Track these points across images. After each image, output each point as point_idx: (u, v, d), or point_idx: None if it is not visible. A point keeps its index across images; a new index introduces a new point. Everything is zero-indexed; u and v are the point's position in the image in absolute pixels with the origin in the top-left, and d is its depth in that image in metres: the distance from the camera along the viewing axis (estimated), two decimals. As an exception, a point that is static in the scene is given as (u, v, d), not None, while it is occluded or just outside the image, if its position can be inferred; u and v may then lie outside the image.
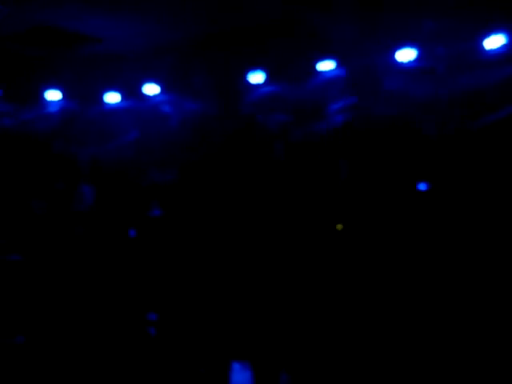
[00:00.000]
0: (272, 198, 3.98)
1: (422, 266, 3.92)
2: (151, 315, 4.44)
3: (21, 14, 4.97)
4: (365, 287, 3.82)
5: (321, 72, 5.13)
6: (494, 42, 4.67)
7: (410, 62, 4.81)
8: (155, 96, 5.96)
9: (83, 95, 6.12)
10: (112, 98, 6.13)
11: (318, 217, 4.11)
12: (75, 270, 4.61)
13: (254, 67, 5.26)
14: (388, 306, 3.81)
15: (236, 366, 4.12)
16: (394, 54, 4.84)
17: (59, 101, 6.14)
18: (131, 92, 6.05)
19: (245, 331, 3.71)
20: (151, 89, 5.95)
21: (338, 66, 5.05)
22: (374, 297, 3.80)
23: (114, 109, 6.12)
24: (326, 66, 5.11)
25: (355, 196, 3.99)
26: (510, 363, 3.63)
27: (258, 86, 5.32)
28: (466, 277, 3.92)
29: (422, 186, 4.06)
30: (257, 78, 5.33)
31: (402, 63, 4.84)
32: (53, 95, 6.11)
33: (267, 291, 3.64)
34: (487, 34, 4.67)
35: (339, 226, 3.98)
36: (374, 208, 3.95)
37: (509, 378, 3.60)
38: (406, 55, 4.81)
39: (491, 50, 4.69)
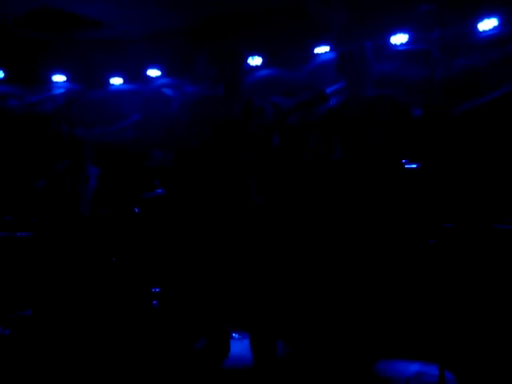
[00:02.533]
0: (269, 178, 4.04)
1: (414, 244, 3.98)
2: (155, 288, 4.61)
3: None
4: (361, 262, 3.85)
5: (317, 56, 5.23)
6: (486, 24, 4.73)
7: (403, 45, 4.90)
8: (157, 79, 6.07)
9: (87, 78, 6.22)
10: (115, 80, 6.24)
11: (313, 197, 4.18)
12: (81, 246, 4.72)
13: (253, 51, 5.37)
14: (385, 279, 3.85)
15: (235, 336, 4.28)
16: (387, 36, 4.92)
17: (64, 83, 6.24)
18: (134, 75, 6.15)
19: (243, 303, 3.80)
20: (153, 72, 6.05)
21: (333, 49, 5.15)
22: (371, 268, 3.82)
23: (117, 91, 6.23)
24: (321, 49, 5.22)
25: (348, 178, 4.03)
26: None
27: (256, 69, 5.43)
28: (457, 258, 3.97)
29: (410, 165, 4.10)
30: (256, 61, 5.43)
31: (395, 46, 4.92)
32: (58, 78, 6.21)
33: (265, 264, 3.73)
34: (480, 16, 4.73)
35: None
36: (366, 189, 4.00)
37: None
38: (399, 38, 4.89)
39: (484, 33, 4.74)
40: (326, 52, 5.20)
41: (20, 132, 5.95)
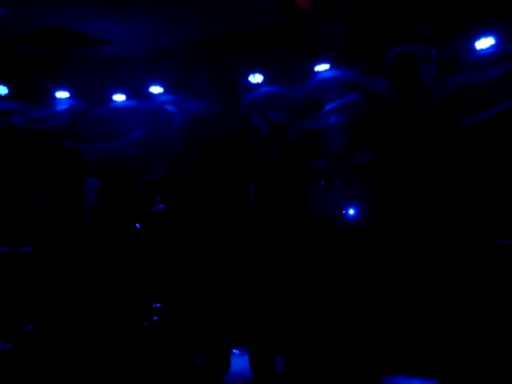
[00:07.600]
0: (268, 195, 4.05)
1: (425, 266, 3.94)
2: (155, 304, 4.62)
3: (31, 15, 5.12)
4: (362, 275, 3.84)
5: (317, 73, 5.30)
6: (483, 43, 4.78)
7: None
8: (160, 96, 6.13)
9: (91, 94, 6.28)
10: (118, 97, 6.31)
11: (314, 215, 4.20)
12: (83, 261, 4.75)
13: (254, 68, 5.43)
14: (386, 293, 3.85)
15: (236, 352, 4.28)
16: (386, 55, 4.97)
17: (67, 99, 6.30)
18: (136, 92, 6.22)
19: (243, 317, 3.80)
20: (156, 89, 6.12)
21: (334, 67, 5.21)
22: (372, 282, 3.78)
23: (119, 108, 6.29)
24: (322, 67, 5.29)
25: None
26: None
27: (257, 86, 5.49)
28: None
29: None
30: (256, 78, 5.50)
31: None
32: (61, 94, 6.26)
33: (265, 279, 3.73)
34: (477, 35, 4.78)
35: None
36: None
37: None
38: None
39: (481, 51, 4.79)
40: (326, 70, 5.26)
41: (23, 148, 5.97)
